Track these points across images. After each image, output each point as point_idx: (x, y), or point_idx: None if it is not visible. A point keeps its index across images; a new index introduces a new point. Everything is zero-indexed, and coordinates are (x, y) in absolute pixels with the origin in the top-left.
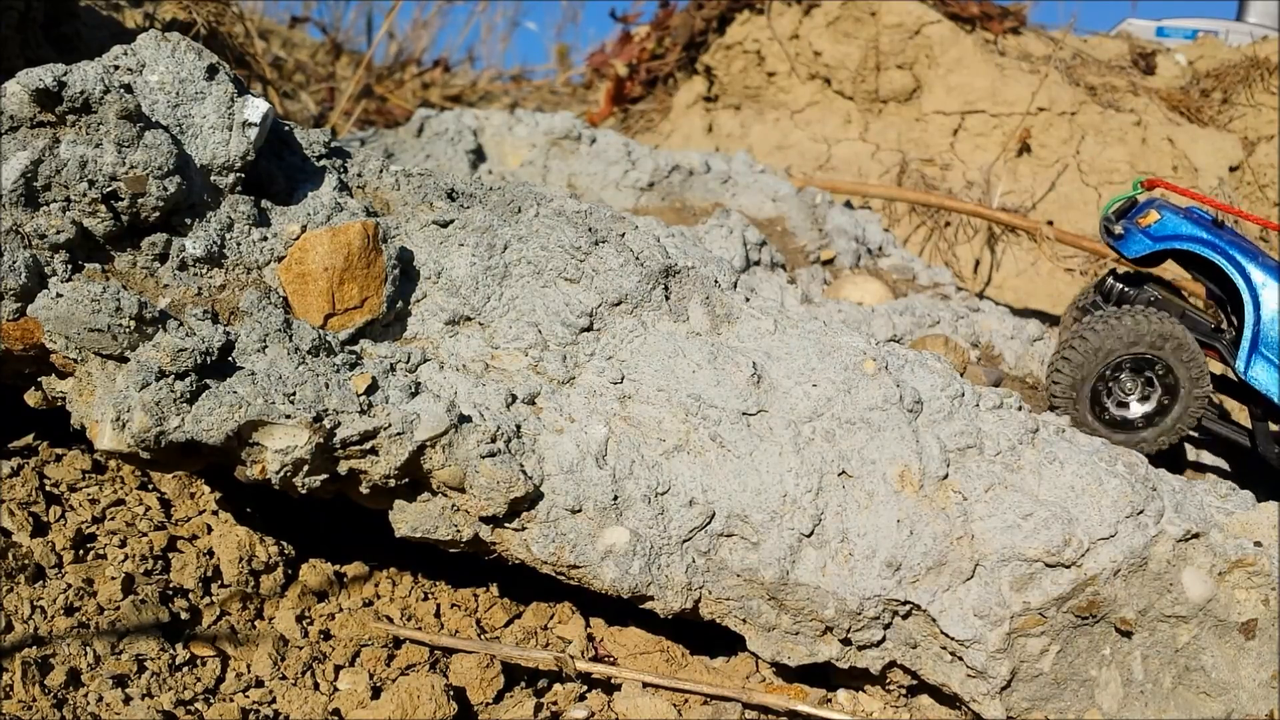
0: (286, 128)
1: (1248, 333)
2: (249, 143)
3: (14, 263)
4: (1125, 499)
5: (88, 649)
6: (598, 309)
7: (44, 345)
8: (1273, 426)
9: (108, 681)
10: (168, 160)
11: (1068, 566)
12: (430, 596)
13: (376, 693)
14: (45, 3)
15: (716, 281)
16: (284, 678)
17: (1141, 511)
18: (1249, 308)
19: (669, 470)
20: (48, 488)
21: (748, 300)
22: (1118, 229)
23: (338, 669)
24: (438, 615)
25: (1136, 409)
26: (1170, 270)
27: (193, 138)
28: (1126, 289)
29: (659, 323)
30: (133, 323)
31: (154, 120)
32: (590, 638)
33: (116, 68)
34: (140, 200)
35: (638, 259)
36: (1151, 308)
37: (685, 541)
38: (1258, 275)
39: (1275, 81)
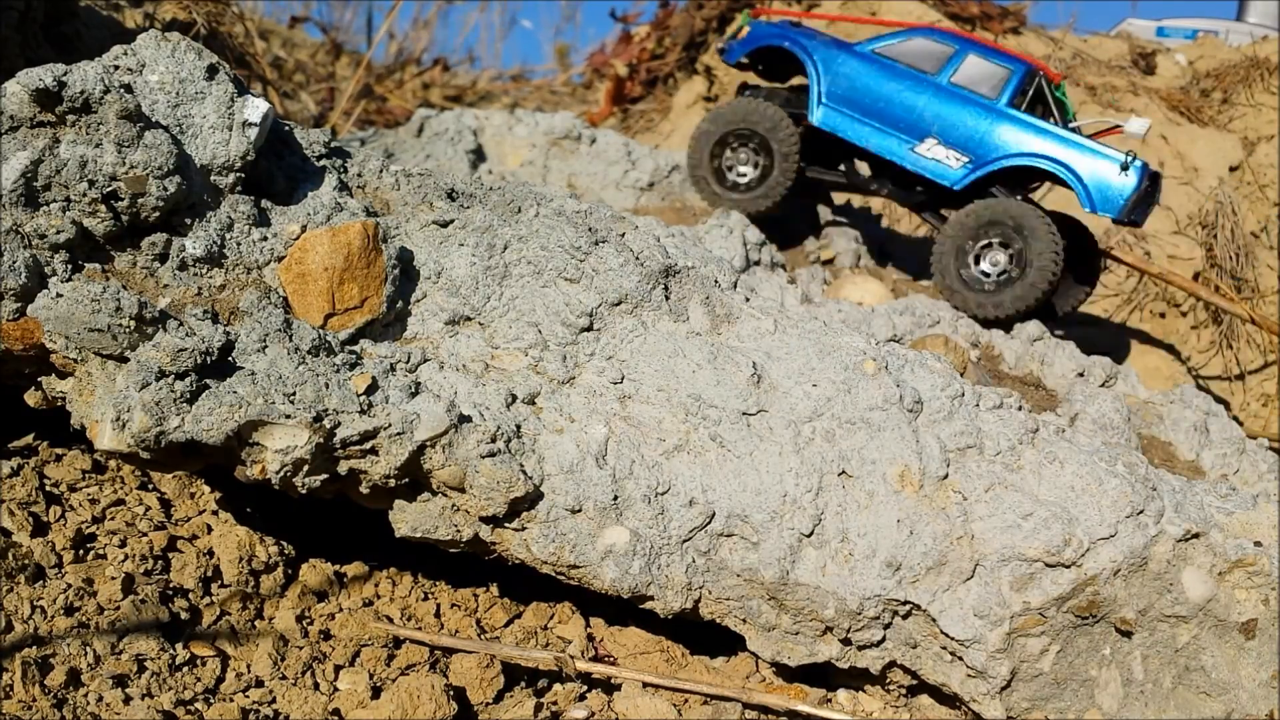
0: (286, 128)
1: (813, 91)
2: (249, 143)
3: (14, 263)
4: (1125, 499)
5: (88, 649)
6: (598, 309)
7: (44, 345)
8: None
9: (108, 681)
10: (168, 160)
11: (1068, 566)
12: (430, 596)
13: (376, 693)
14: (45, 3)
15: (716, 281)
16: (284, 678)
17: (1141, 511)
18: (810, 72)
19: (669, 470)
20: (48, 488)
21: (748, 300)
22: (721, 46)
23: (338, 669)
24: (438, 615)
25: (745, 175)
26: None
27: (193, 138)
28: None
29: (659, 323)
30: (133, 323)
31: (154, 120)
32: (590, 638)
33: (116, 68)
34: (140, 200)
35: (638, 259)
36: (755, 97)
37: (685, 541)
38: (815, 50)
39: (1275, 81)
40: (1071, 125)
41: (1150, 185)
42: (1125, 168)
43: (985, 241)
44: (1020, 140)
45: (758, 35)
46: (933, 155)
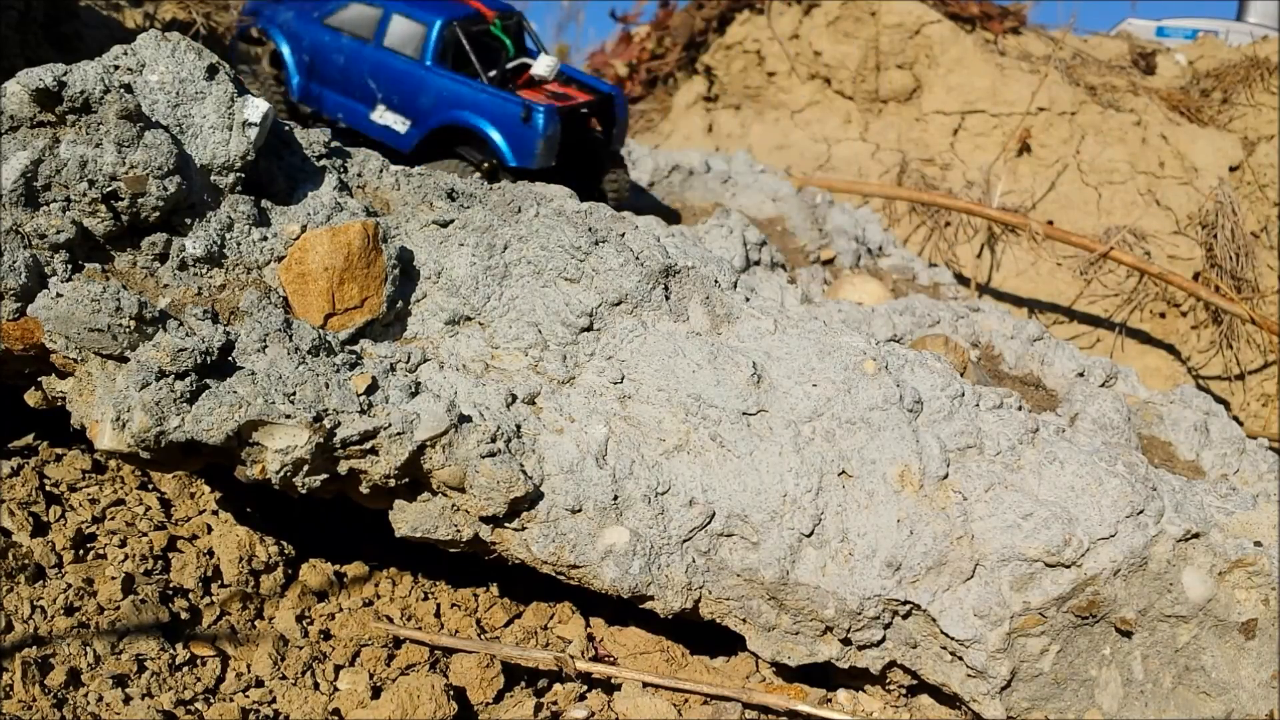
0: (286, 128)
1: (287, 64)
2: (249, 143)
3: (14, 263)
4: (1125, 499)
5: (88, 649)
6: (598, 309)
7: (44, 345)
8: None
9: (108, 681)
10: (168, 160)
11: (1068, 566)
12: (430, 596)
13: (376, 693)
14: (45, 3)
15: (716, 281)
16: (284, 678)
17: (1141, 511)
18: (280, 48)
19: (669, 470)
20: (48, 488)
21: (748, 300)
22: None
23: (338, 669)
24: (438, 615)
25: None
26: None
27: (193, 138)
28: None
29: (659, 322)
30: (133, 322)
31: (154, 120)
32: (590, 638)
33: (116, 68)
34: (140, 200)
35: (638, 259)
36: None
37: (685, 541)
38: (279, 24)
39: (1275, 81)
40: (513, 63)
41: (572, 121)
42: (526, 118)
43: None
44: (443, 99)
45: (247, 12)
46: (384, 121)
